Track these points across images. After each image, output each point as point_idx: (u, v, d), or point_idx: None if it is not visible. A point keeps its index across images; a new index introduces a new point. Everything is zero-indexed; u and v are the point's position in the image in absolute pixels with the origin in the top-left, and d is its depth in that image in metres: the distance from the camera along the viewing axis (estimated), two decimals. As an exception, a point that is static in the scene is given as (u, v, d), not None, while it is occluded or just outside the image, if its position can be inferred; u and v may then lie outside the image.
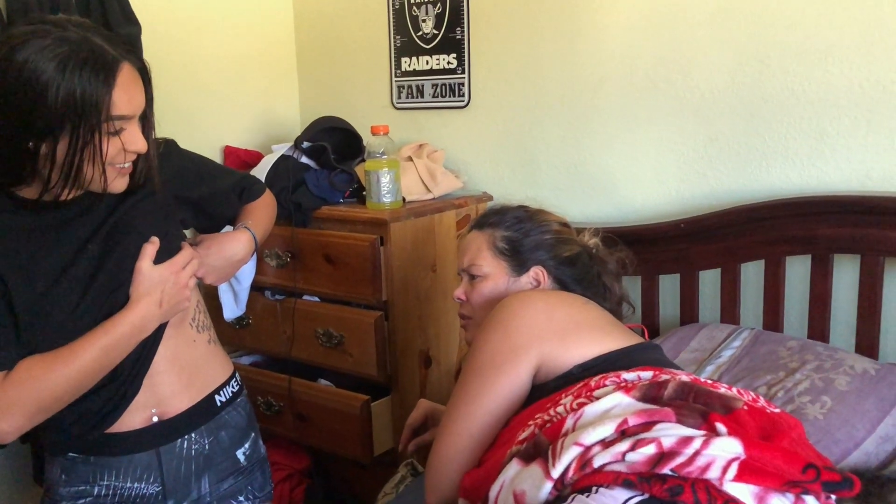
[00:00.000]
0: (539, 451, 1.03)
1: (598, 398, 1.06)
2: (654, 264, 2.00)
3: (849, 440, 1.42)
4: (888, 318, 1.76)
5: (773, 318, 1.85)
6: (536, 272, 1.38)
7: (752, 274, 1.94)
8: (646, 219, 2.10)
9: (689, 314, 1.98)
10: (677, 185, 2.06)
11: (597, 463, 0.97)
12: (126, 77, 1.10)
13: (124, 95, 1.09)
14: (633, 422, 0.99)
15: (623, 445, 0.96)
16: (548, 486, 0.99)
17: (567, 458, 0.98)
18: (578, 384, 1.12)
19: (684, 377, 1.10)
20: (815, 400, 1.49)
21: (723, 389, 1.08)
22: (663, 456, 0.94)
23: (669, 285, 2.07)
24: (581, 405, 1.06)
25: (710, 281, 1.99)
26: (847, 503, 1.14)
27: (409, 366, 2.15)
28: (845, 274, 1.82)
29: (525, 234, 1.40)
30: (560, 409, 1.09)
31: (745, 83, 1.91)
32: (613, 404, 1.04)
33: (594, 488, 0.94)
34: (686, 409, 1.01)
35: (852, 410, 1.47)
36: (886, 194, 1.70)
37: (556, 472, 0.98)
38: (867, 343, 1.72)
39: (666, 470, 0.93)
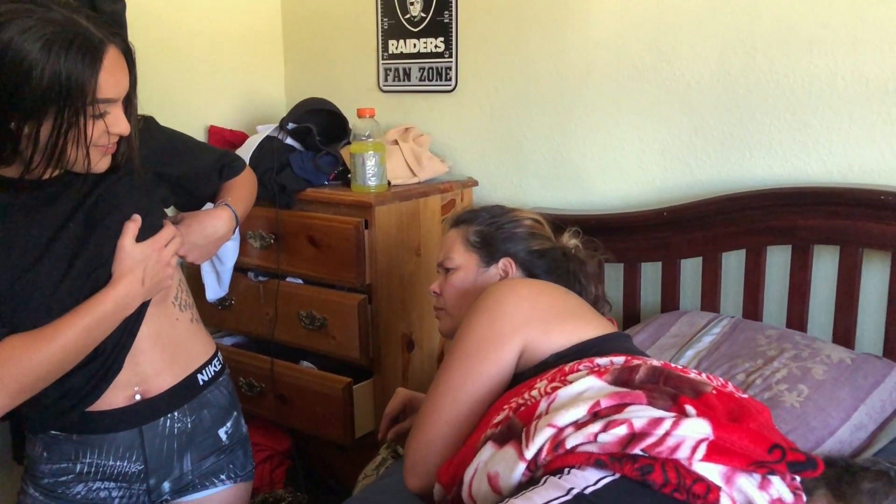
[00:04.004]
0: (513, 434, 1.05)
1: (571, 382, 1.08)
2: (636, 252, 2.02)
3: (824, 428, 1.45)
4: (865, 308, 1.79)
5: (752, 306, 1.87)
6: (505, 263, 1.41)
7: (733, 263, 1.96)
8: (629, 207, 2.11)
9: (670, 302, 1.99)
10: (661, 173, 2.07)
11: (569, 444, 0.99)
12: (112, 60, 1.09)
13: (110, 79, 1.08)
14: (605, 404, 1.01)
15: (595, 427, 0.98)
16: (521, 467, 1.01)
17: (540, 439, 1.00)
18: (553, 370, 1.14)
19: (655, 363, 1.12)
20: (793, 388, 1.51)
21: (693, 374, 1.11)
22: (634, 437, 0.96)
23: (651, 273, 2.08)
24: (555, 389, 1.08)
25: (691, 269, 2.01)
26: (820, 491, 1.17)
27: (392, 349, 2.16)
28: (824, 265, 1.84)
29: (497, 228, 1.44)
30: (534, 392, 1.10)
31: (731, 74, 1.92)
32: (586, 387, 1.06)
33: (566, 469, 0.97)
34: (657, 391, 1.04)
35: (828, 399, 1.49)
36: (866, 187, 1.72)
37: (529, 454, 1.00)
38: (844, 333, 1.75)
39: (637, 450, 0.96)
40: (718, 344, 1.71)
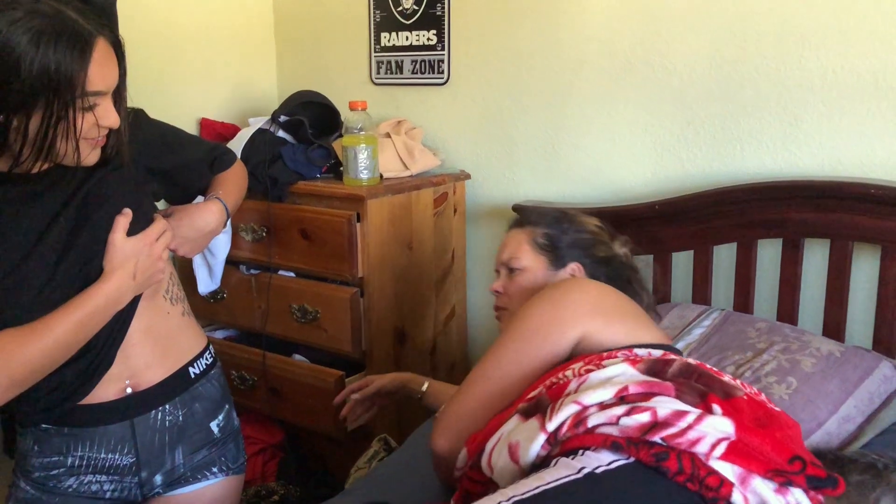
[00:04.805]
0: (539, 409, 1.07)
1: (605, 367, 1.10)
2: (628, 245, 2.02)
3: (812, 420, 1.46)
4: (855, 301, 1.80)
5: (743, 299, 1.88)
6: (573, 268, 1.43)
7: (725, 256, 1.97)
8: (621, 200, 2.11)
9: (661, 294, 2.00)
10: (653, 167, 2.07)
11: (591, 423, 1.00)
12: (101, 52, 1.08)
13: (99, 71, 1.08)
14: (633, 390, 1.03)
15: (619, 410, 1.00)
16: (541, 439, 1.02)
17: (564, 414, 1.02)
18: (592, 355, 1.16)
19: (691, 361, 1.13)
20: (781, 380, 1.52)
21: (727, 378, 1.12)
22: (656, 425, 0.97)
23: (643, 266, 2.08)
24: (588, 371, 1.11)
25: (682, 262, 2.02)
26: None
27: (384, 343, 2.16)
28: (815, 258, 1.85)
29: (563, 233, 1.46)
30: (568, 372, 1.13)
31: (722, 67, 1.92)
32: (618, 373, 1.08)
33: (580, 451, 0.98)
34: (686, 387, 1.05)
35: (816, 391, 1.50)
36: (857, 180, 1.73)
37: (551, 426, 1.02)
38: (834, 326, 1.76)
39: (656, 438, 0.97)
40: (708, 336, 1.72)
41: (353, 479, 1.79)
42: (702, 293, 1.94)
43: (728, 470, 0.96)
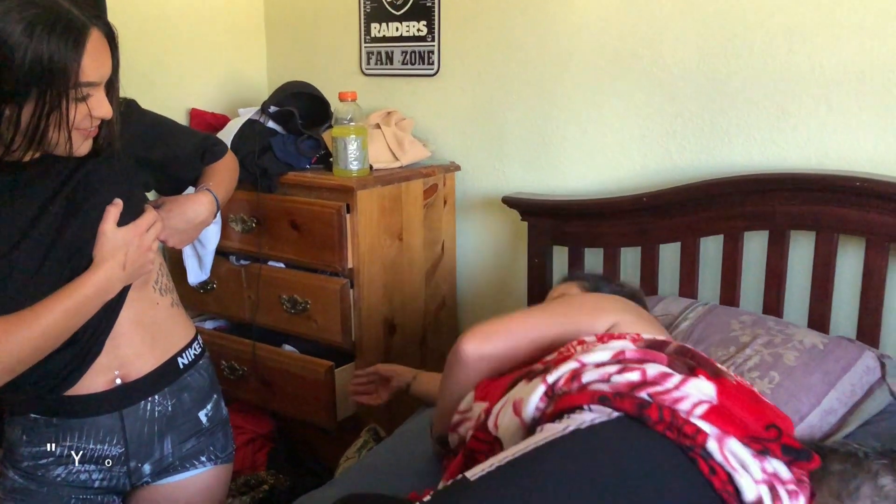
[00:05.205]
0: (545, 373, 1.16)
1: (609, 342, 1.21)
2: (615, 237, 2.03)
3: (794, 414, 1.47)
4: (841, 294, 1.81)
5: (729, 291, 1.89)
6: None
7: (711, 249, 1.98)
8: (609, 192, 2.12)
9: (648, 287, 2.01)
10: (642, 159, 2.08)
11: (585, 379, 1.10)
12: (95, 43, 1.08)
13: (93, 62, 1.08)
14: (628, 355, 1.14)
15: (612, 368, 1.10)
16: (541, 390, 1.12)
17: (564, 368, 1.13)
18: (604, 335, 1.26)
19: (688, 345, 1.22)
20: (764, 375, 1.54)
21: (720, 365, 1.19)
22: (645, 383, 1.06)
23: (630, 258, 2.10)
24: (594, 344, 1.21)
25: (669, 254, 2.03)
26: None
27: (374, 333, 2.16)
28: (801, 250, 1.87)
29: (606, 283, 1.63)
30: (579, 346, 1.22)
31: (711, 60, 1.93)
32: (620, 347, 1.17)
33: (564, 415, 1.05)
34: (679, 361, 1.14)
35: (798, 385, 1.51)
36: (842, 173, 1.74)
37: (550, 378, 1.12)
38: (819, 318, 1.78)
39: (643, 394, 1.04)
40: (692, 329, 1.73)
41: (343, 469, 1.80)
42: (688, 285, 1.95)
43: (706, 428, 1.00)
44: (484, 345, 1.26)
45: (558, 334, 1.28)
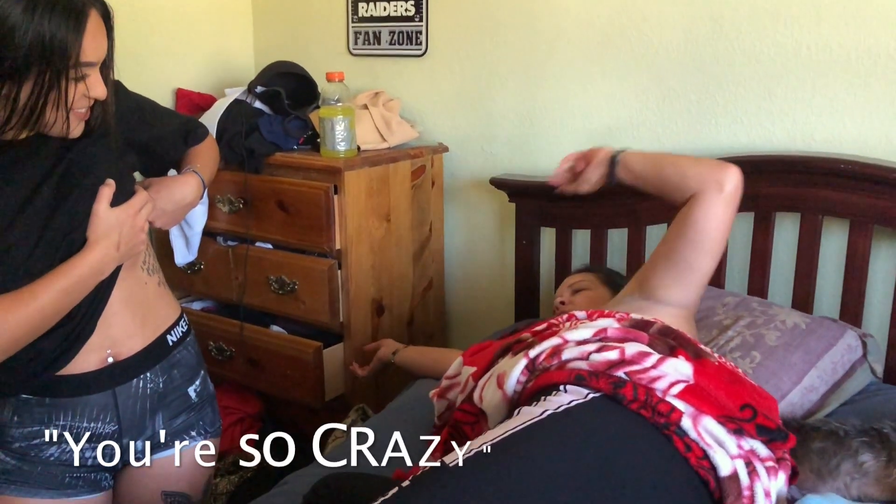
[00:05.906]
0: (529, 347, 1.19)
1: (596, 320, 1.22)
2: (603, 218, 2.04)
3: (775, 392, 1.49)
4: (824, 274, 1.83)
5: (716, 273, 1.89)
6: None
7: (698, 230, 1.99)
8: (597, 173, 2.12)
9: (636, 268, 2.01)
10: (629, 140, 2.09)
11: (565, 356, 1.11)
12: (94, 24, 1.09)
13: (92, 42, 1.09)
14: (610, 333, 1.15)
15: (591, 346, 1.11)
16: (522, 363, 1.14)
17: (546, 344, 1.15)
18: (593, 311, 1.28)
19: (672, 326, 1.22)
20: (745, 355, 1.55)
21: (703, 346, 1.19)
22: (623, 362, 1.07)
23: (618, 240, 2.11)
24: (582, 321, 1.23)
25: (657, 236, 2.04)
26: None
27: (362, 314, 2.17)
28: (786, 232, 1.88)
29: (622, 279, 1.72)
30: (567, 323, 1.25)
31: (698, 41, 1.93)
32: (603, 325, 1.18)
33: (541, 397, 1.06)
34: (660, 340, 1.14)
35: (780, 364, 1.53)
36: (827, 155, 1.76)
37: (532, 353, 1.14)
38: (803, 299, 1.80)
39: (620, 373, 1.06)
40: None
41: (331, 448, 1.82)
42: (675, 266, 1.96)
43: (681, 406, 1.02)
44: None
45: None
